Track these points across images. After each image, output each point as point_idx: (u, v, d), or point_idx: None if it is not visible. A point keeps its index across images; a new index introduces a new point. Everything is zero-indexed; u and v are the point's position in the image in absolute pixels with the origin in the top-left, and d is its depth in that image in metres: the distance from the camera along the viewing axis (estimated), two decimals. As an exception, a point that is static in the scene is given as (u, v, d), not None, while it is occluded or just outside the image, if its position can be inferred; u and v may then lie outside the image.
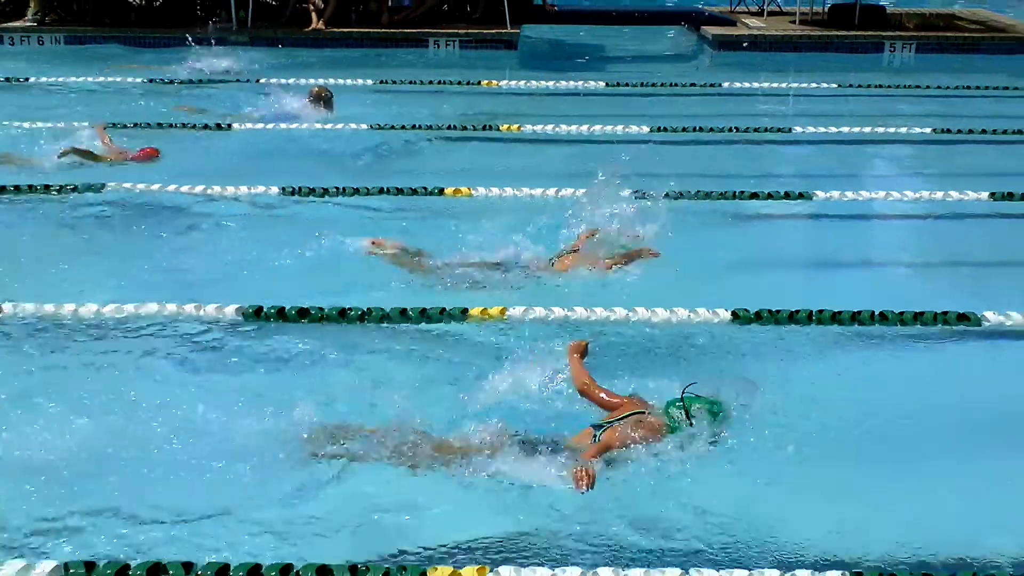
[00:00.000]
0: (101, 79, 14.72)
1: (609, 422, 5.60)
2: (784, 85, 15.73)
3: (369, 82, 14.88)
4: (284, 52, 17.05)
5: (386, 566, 4.70)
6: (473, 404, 5.93)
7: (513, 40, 17.94)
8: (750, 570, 4.67)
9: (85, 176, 9.99)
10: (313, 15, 17.82)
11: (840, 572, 4.68)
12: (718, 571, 4.67)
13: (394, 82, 14.84)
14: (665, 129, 12.55)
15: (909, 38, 18.31)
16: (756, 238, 9.31)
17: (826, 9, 19.70)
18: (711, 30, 18.95)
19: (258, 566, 4.65)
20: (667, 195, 8.79)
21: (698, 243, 8.59)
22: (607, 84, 15.37)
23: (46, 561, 4.66)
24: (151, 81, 14.72)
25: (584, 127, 12.57)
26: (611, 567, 4.70)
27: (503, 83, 15.22)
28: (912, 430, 6.01)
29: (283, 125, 12.23)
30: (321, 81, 13.30)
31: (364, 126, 12.29)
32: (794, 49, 18.12)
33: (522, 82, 15.40)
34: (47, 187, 9.72)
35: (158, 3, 18.46)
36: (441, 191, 9.92)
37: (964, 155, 12.14)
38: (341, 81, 14.44)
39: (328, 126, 12.15)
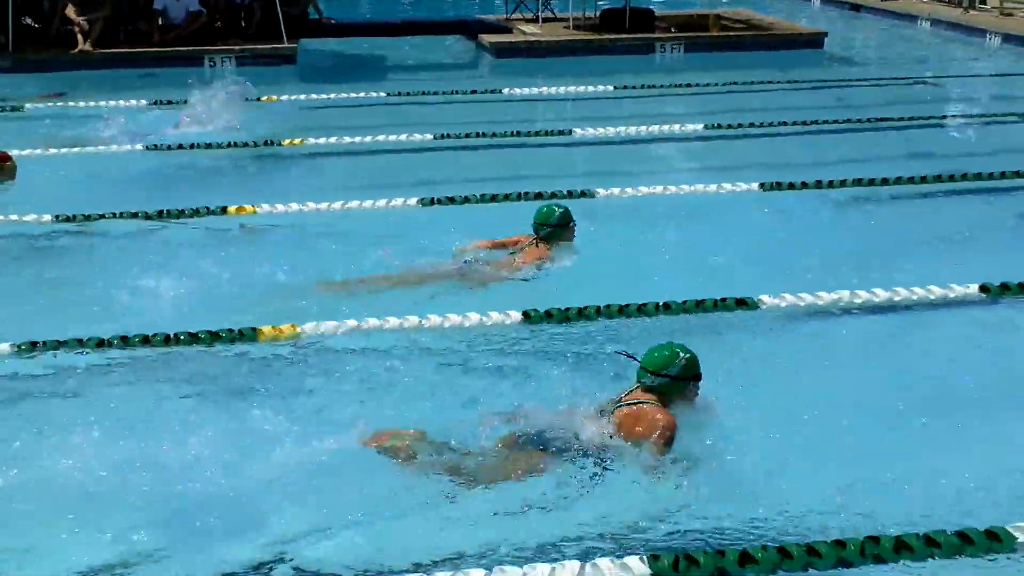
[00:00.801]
0: None
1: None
2: (562, 89, 16.05)
3: (143, 102, 14.43)
4: (50, 76, 16.29)
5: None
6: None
7: (292, 55, 17.70)
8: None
9: None
10: (79, 36, 17.07)
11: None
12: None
13: (170, 102, 14.39)
14: (449, 136, 12.65)
15: (677, 39, 19.00)
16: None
17: (598, 14, 20.23)
18: (488, 38, 19.17)
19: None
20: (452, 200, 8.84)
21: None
22: (388, 94, 15.35)
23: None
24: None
25: (368, 137, 12.54)
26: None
27: (283, 98, 15.00)
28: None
29: (52, 150, 11.73)
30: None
31: (139, 147, 11.93)
32: (570, 53, 18.53)
33: (302, 96, 15.23)
34: None
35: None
36: (224, 209, 9.72)
37: (734, 148, 12.68)
38: (113, 103, 13.99)
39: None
